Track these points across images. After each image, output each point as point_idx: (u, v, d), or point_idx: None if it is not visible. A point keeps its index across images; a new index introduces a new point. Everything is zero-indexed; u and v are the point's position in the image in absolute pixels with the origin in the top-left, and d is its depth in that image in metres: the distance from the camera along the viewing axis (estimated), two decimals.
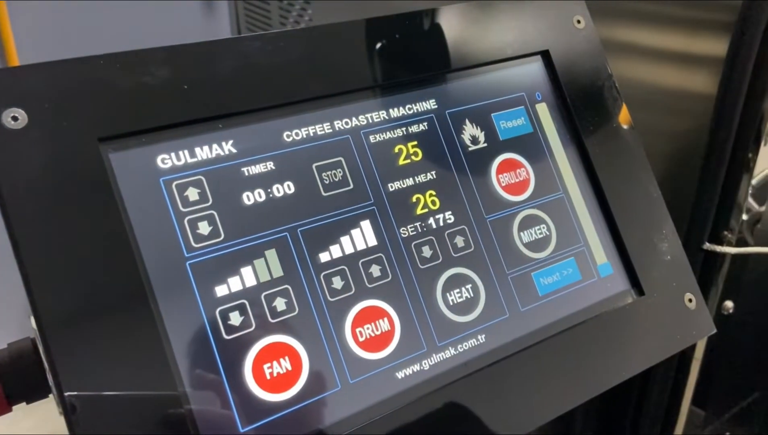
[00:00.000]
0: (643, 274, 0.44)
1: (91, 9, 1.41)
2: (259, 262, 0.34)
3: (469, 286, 0.39)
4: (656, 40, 0.63)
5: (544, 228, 0.43)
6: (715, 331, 0.46)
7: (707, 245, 0.62)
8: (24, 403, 0.38)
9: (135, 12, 1.45)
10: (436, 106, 0.41)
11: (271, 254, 0.35)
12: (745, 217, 0.64)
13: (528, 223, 0.42)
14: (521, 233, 0.42)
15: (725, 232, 0.63)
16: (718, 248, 0.62)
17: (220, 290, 0.33)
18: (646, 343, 0.44)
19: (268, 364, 0.33)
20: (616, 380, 0.42)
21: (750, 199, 0.64)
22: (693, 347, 0.67)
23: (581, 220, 0.44)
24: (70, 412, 0.29)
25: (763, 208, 0.66)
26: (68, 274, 0.30)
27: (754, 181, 0.63)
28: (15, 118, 0.30)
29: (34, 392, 0.37)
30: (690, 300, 0.45)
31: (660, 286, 0.45)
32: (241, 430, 0.32)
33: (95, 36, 1.41)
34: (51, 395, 0.38)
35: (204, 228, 0.34)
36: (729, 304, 0.67)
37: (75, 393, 0.29)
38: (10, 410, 0.38)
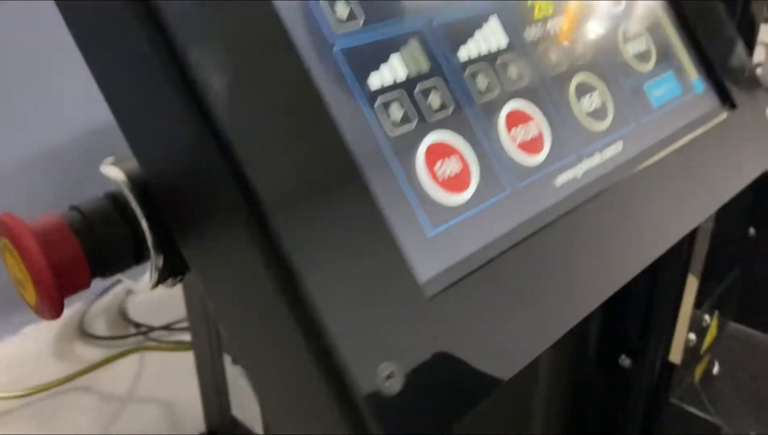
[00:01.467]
0: (732, 89, 0.43)
1: None
2: (405, 50, 0.29)
3: (596, 93, 0.36)
4: None
5: (644, 39, 0.40)
6: None
7: None
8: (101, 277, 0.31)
9: None
10: None
11: (414, 43, 0.29)
12: None
13: (630, 33, 0.39)
14: (627, 44, 0.39)
15: None
16: None
17: (376, 79, 0.28)
18: (743, 156, 0.42)
19: (439, 163, 0.28)
20: (732, 191, 0.40)
21: None
22: None
23: (670, 36, 0.42)
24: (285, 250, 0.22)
25: None
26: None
27: None
28: None
29: (124, 259, 0.30)
30: None
31: (746, 100, 0.44)
32: (431, 234, 0.27)
33: None
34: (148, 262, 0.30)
35: (342, 11, 0.28)
36: None
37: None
38: (88, 285, 0.30)
